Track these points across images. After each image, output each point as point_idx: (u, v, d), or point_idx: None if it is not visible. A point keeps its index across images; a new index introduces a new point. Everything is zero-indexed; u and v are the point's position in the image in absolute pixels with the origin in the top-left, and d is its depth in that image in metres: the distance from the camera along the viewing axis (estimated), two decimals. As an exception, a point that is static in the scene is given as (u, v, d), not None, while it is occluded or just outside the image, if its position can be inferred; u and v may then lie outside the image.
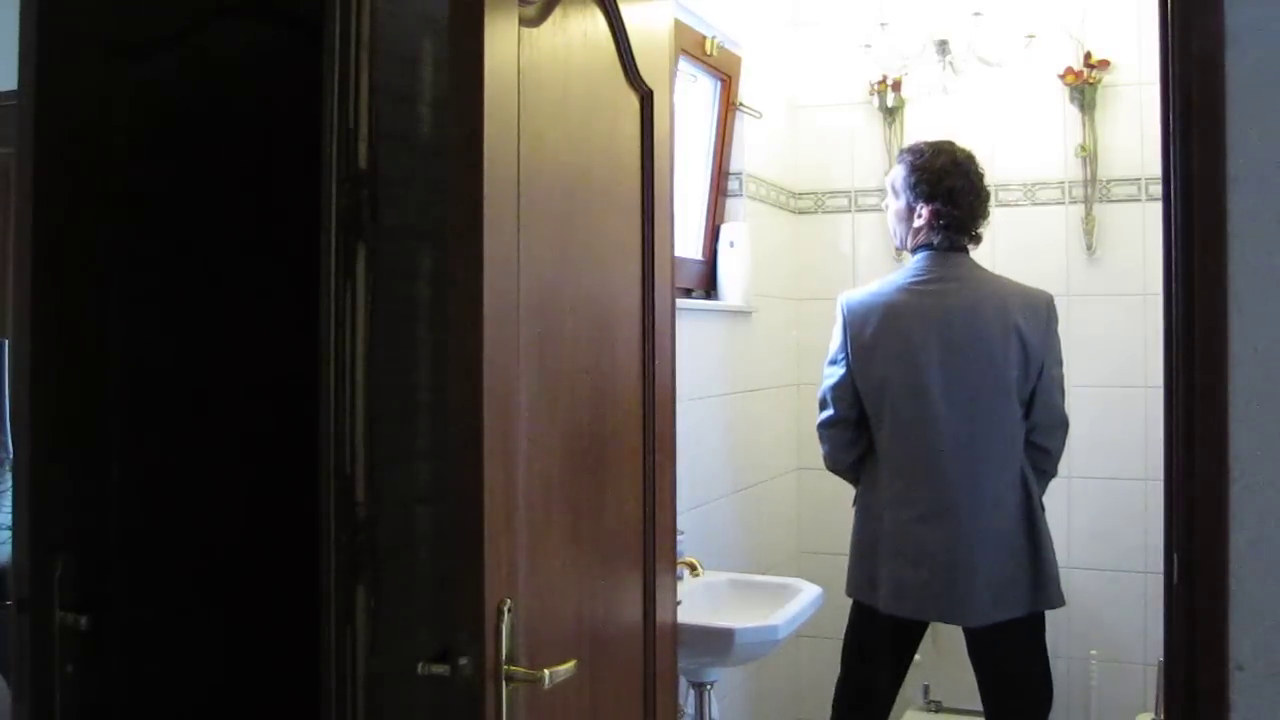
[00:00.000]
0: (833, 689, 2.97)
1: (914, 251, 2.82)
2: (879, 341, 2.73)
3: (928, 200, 2.75)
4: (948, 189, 2.73)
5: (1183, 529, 1.37)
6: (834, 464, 2.92)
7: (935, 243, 2.75)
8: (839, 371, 2.81)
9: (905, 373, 2.71)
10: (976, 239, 2.82)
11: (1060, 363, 2.76)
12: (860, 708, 2.91)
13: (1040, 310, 2.73)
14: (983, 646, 2.84)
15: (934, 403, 2.69)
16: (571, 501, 1.50)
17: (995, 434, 2.70)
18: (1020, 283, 2.80)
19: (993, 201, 3.14)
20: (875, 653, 2.90)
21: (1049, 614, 2.88)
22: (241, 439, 1.74)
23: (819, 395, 2.90)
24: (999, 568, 2.69)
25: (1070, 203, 3.52)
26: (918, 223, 2.78)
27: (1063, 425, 2.78)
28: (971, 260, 2.81)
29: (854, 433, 2.84)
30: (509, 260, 1.31)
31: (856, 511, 2.90)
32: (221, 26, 1.75)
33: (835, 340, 2.85)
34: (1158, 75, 1.47)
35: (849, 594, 2.89)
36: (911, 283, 2.77)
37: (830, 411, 2.84)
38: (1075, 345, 2.82)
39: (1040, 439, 2.75)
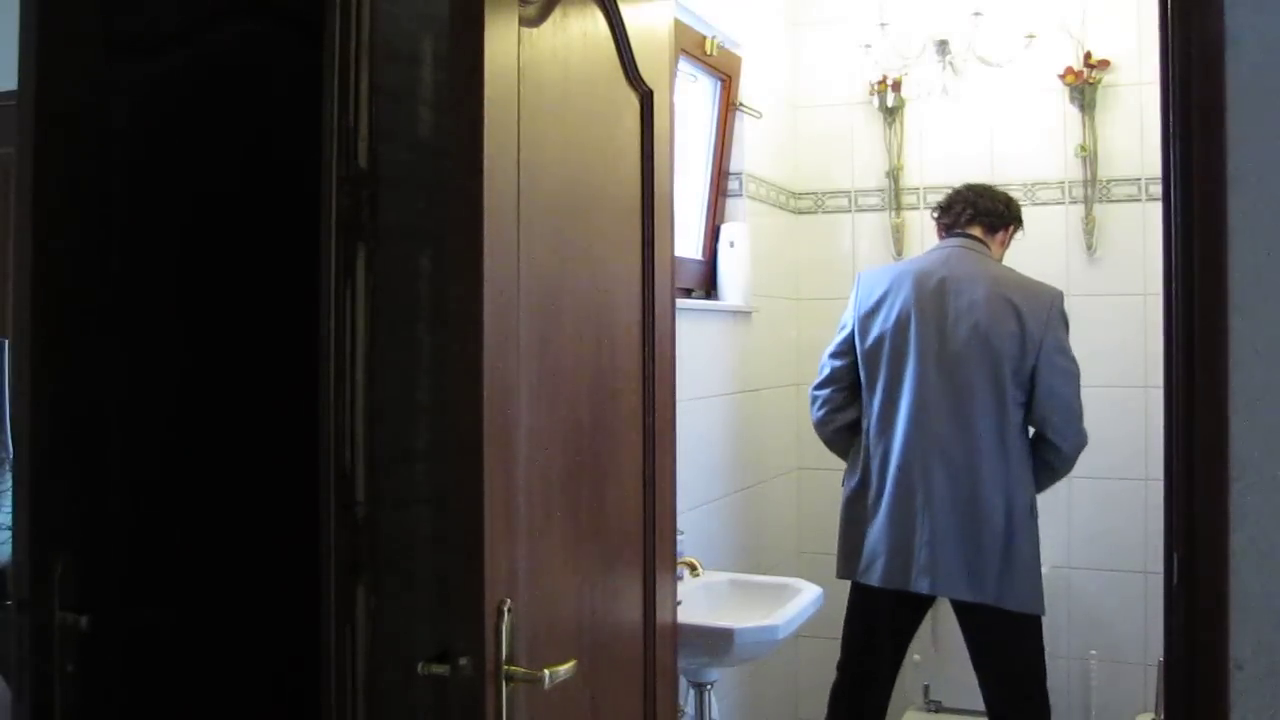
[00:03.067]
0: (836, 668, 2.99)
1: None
2: (880, 306, 2.91)
3: (936, 217, 3.08)
4: (944, 205, 3.05)
5: (1183, 529, 1.37)
6: (822, 427, 3.04)
7: (941, 230, 3.04)
8: (843, 335, 2.99)
9: (898, 334, 2.85)
10: (985, 227, 2.97)
11: (1065, 354, 2.78)
12: (855, 695, 2.93)
13: (1043, 298, 2.81)
14: (974, 637, 2.87)
15: (921, 363, 2.80)
16: (571, 501, 1.50)
17: (988, 404, 2.75)
18: (1034, 279, 2.89)
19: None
20: (869, 635, 2.92)
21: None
22: (241, 438, 1.74)
23: (820, 362, 3.05)
24: (968, 540, 2.74)
25: (1070, 203, 3.52)
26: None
27: (1067, 417, 2.76)
28: (989, 253, 2.95)
29: (844, 396, 2.99)
30: (509, 260, 1.31)
31: (843, 492, 2.97)
32: (221, 26, 1.75)
33: (846, 308, 3.02)
34: (1158, 75, 1.47)
35: (838, 575, 2.94)
36: (921, 258, 3.02)
37: (827, 371, 3.01)
38: (1075, 345, 2.82)
39: (1048, 432, 2.77)
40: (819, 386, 3.03)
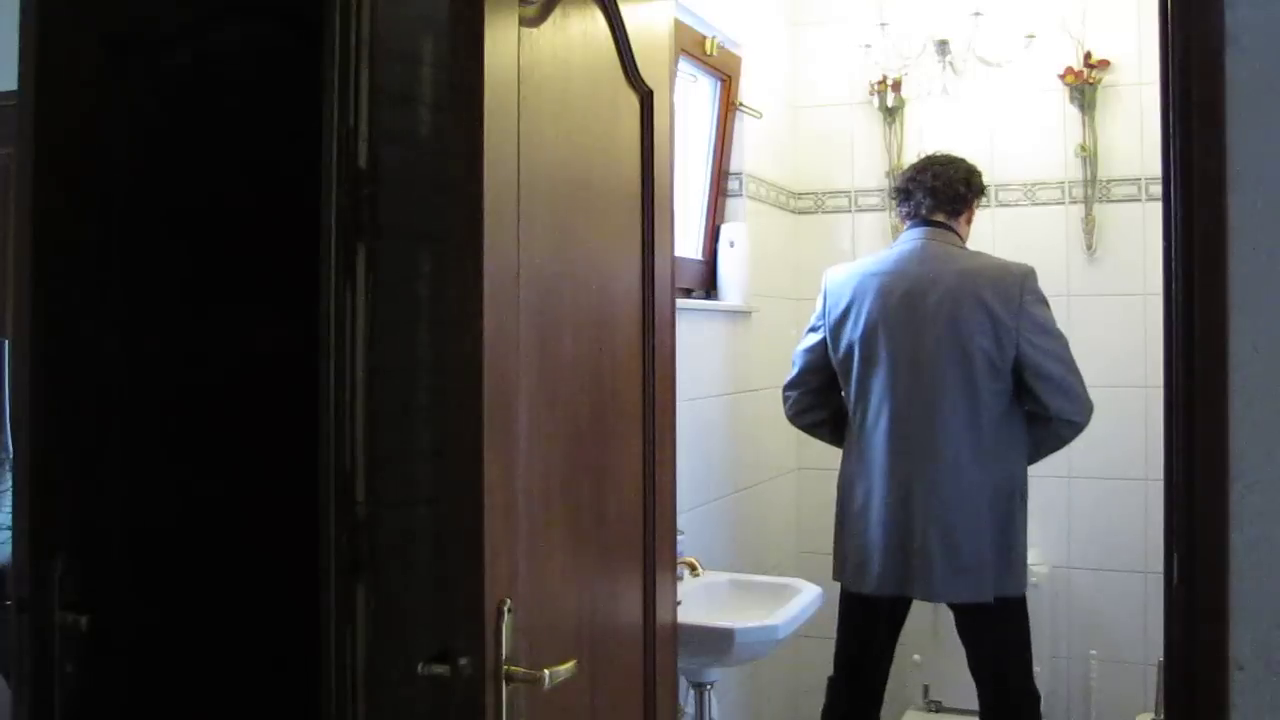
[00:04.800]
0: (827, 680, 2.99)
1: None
2: (846, 316, 2.86)
3: (895, 201, 3.02)
4: (901, 190, 2.95)
5: (1183, 529, 1.37)
6: (794, 421, 3.05)
7: (904, 223, 2.97)
8: (815, 338, 2.96)
9: (865, 344, 2.82)
10: (948, 213, 2.89)
11: (1046, 333, 2.72)
12: (850, 694, 2.92)
13: (1013, 282, 2.74)
14: (966, 632, 2.86)
15: (893, 371, 2.78)
16: (571, 501, 1.50)
17: (960, 404, 2.72)
18: (1003, 260, 2.84)
19: (992, 201, 3.19)
20: (866, 642, 2.92)
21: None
22: (241, 438, 1.74)
23: (792, 357, 3.03)
24: (961, 543, 2.71)
25: (1070, 203, 3.52)
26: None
27: (1068, 394, 2.71)
28: (955, 240, 2.88)
29: (812, 398, 2.99)
30: (509, 260, 1.31)
31: (837, 493, 2.95)
32: (222, 26, 1.74)
33: (815, 310, 2.98)
34: (1158, 75, 1.47)
35: (835, 578, 2.92)
36: (885, 258, 2.93)
37: (795, 371, 2.99)
38: (1075, 345, 2.81)
39: (1057, 412, 2.72)
40: (789, 386, 3.02)
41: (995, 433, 2.74)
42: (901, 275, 2.82)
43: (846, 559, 2.86)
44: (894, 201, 3.04)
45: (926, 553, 2.72)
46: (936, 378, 2.74)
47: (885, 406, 2.79)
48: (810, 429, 3.04)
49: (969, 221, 2.95)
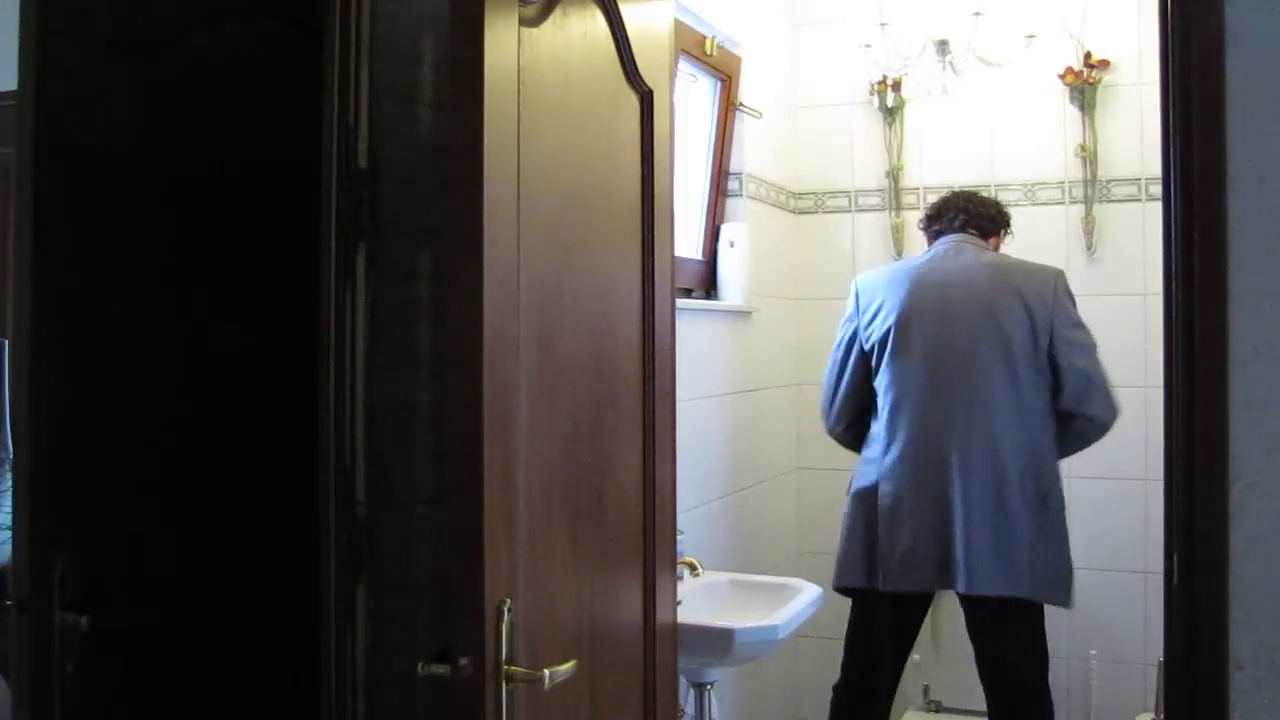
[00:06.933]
0: (831, 689, 2.98)
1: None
2: (881, 308, 2.89)
3: (925, 226, 3.07)
4: (933, 214, 3.05)
5: (1183, 529, 1.37)
6: (843, 433, 3.05)
7: (932, 237, 3.02)
8: (845, 339, 2.97)
9: (901, 333, 2.83)
10: (979, 231, 2.96)
11: (1077, 326, 2.78)
12: (861, 703, 2.91)
13: (1047, 279, 2.81)
14: (977, 630, 2.85)
15: (931, 359, 2.80)
16: (571, 501, 1.50)
17: (1001, 388, 2.74)
18: (1033, 261, 2.91)
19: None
20: (875, 642, 2.90)
21: (1050, 614, 2.88)
22: (241, 438, 1.74)
23: (825, 384, 3.03)
24: (1000, 534, 2.71)
25: (1070, 203, 3.53)
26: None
27: (1101, 390, 2.76)
28: (983, 245, 2.94)
29: (858, 409, 2.98)
30: (509, 260, 1.31)
31: (849, 498, 2.93)
32: (222, 26, 1.75)
33: (846, 312, 3.00)
34: (1158, 75, 1.47)
35: (838, 585, 2.89)
36: (917, 257, 3.02)
37: (840, 401, 2.98)
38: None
39: (1075, 406, 2.77)
40: (836, 423, 3.00)
41: (1038, 425, 2.76)
42: (935, 269, 2.87)
43: (886, 558, 2.80)
44: (921, 226, 3.07)
45: (970, 542, 2.71)
46: (978, 364, 2.75)
47: (926, 396, 2.79)
48: (853, 440, 3.01)
49: (996, 248, 3.00)
